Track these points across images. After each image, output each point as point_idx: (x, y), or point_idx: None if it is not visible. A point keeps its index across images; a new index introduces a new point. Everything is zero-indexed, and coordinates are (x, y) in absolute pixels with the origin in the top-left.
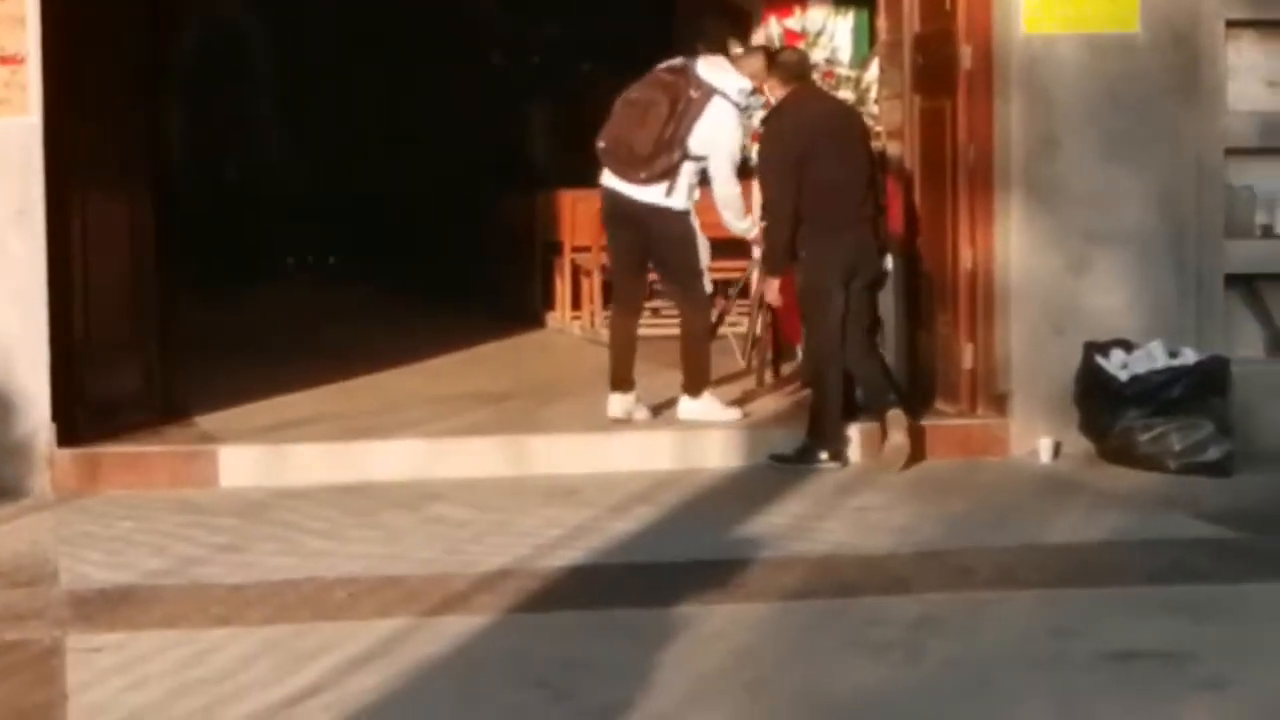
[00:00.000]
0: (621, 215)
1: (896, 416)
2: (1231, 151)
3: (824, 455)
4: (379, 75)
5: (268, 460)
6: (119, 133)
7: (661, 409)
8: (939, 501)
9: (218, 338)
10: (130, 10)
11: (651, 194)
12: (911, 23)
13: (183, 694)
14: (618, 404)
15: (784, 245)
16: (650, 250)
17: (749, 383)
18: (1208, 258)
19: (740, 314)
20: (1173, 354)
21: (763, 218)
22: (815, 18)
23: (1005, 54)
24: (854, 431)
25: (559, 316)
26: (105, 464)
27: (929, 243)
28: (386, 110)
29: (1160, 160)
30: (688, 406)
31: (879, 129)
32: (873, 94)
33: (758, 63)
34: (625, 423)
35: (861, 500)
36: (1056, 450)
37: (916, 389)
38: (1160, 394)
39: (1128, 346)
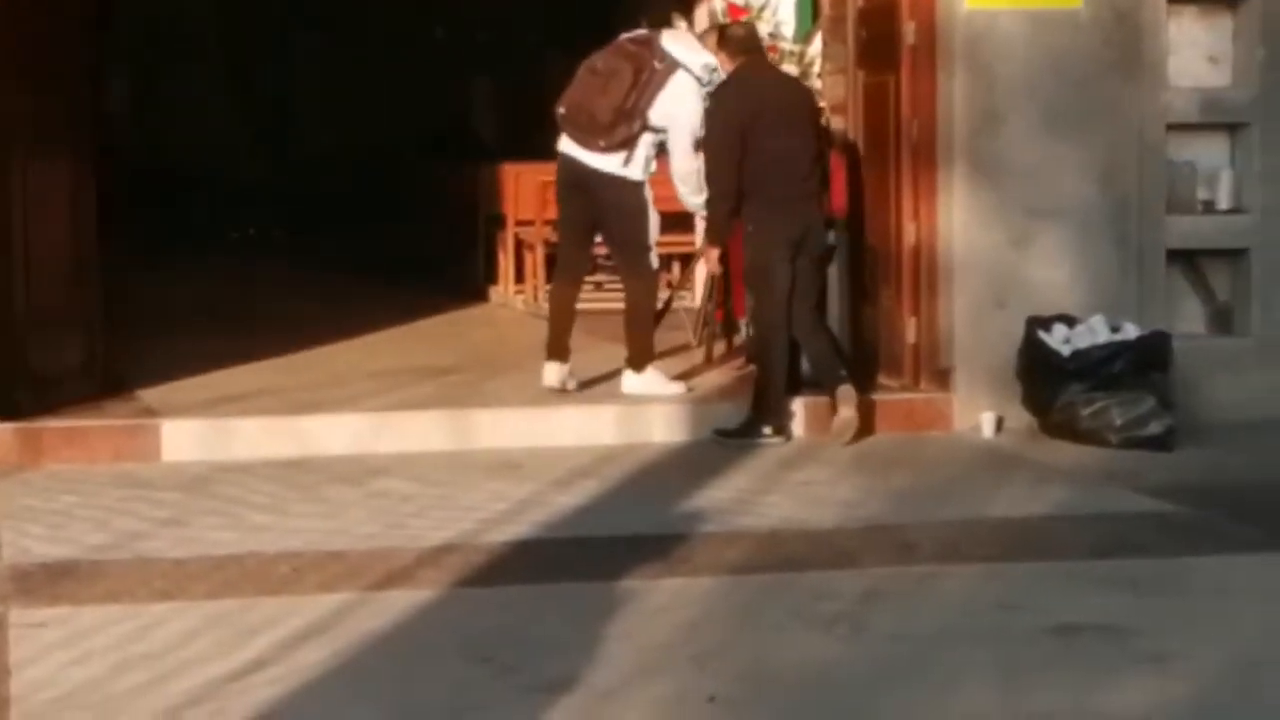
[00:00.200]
0: (576, 182)
1: (847, 392)
2: (1173, 127)
3: (767, 430)
4: (322, 48)
5: (210, 434)
6: (60, 103)
7: (597, 383)
8: (883, 476)
9: (160, 311)
10: None
11: (609, 162)
12: None
13: (126, 669)
14: (553, 372)
15: (725, 217)
16: (600, 221)
17: (693, 357)
18: (1149, 233)
19: (686, 289)
20: (1114, 329)
21: (706, 189)
22: None
23: (949, 29)
24: (798, 406)
25: (502, 290)
26: (46, 438)
27: (872, 217)
28: (329, 83)
29: (1102, 135)
30: (632, 381)
31: (823, 104)
32: (816, 69)
33: (715, 39)
34: (560, 392)
35: (805, 475)
36: (999, 425)
37: (860, 363)
38: (1102, 369)
39: (1070, 321)
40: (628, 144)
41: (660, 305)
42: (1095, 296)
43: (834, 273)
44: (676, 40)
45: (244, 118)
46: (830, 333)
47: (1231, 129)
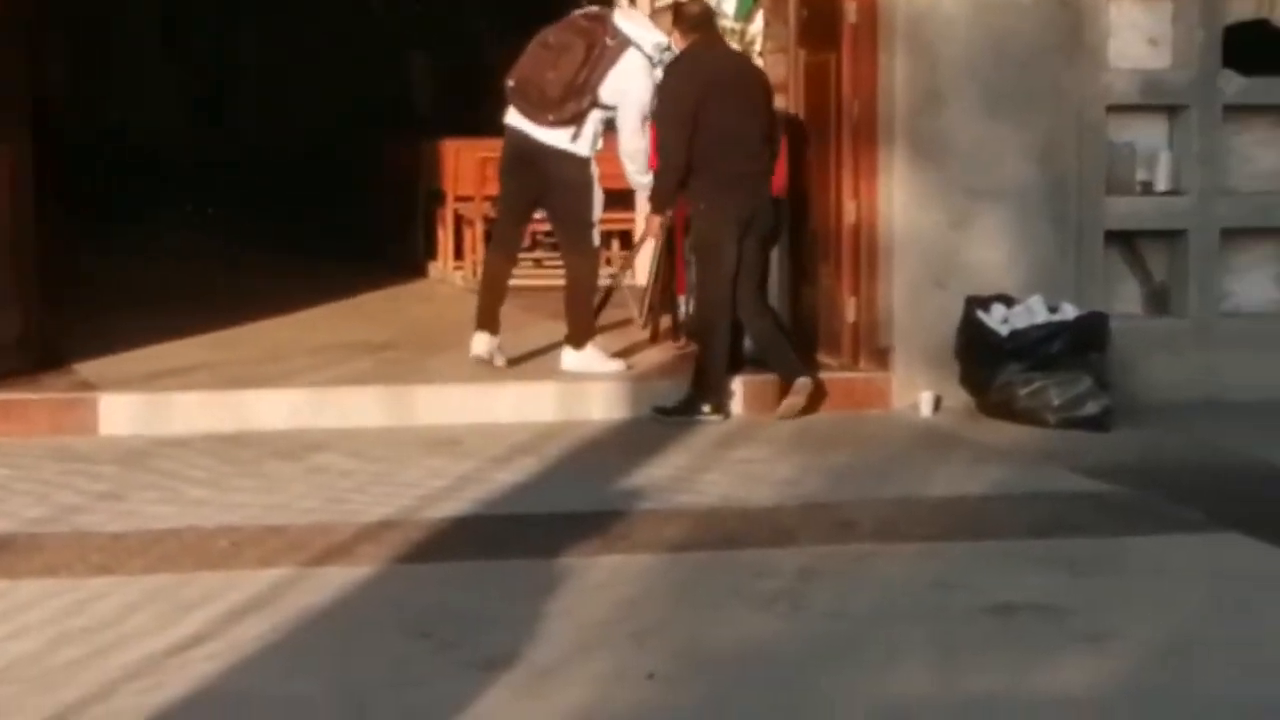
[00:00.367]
0: (522, 156)
1: (803, 385)
2: (1113, 108)
3: (706, 408)
4: (260, 22)
5: (148, 408)
6: None
7: (535, 359)
8: (821, 454)
9: (98, 286)
10: None
11: (557, 137)
12: None
13: (64, 642)
14: (481, 343)
15: (671, 188)
16: (545, 196)
17: (632, 335)
18: (1088, 214)
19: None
20: (1053, 309)
21: (657, 160)
22: None
23: (890, 9)
24: (737, 385)
25: (441, 266)
26: None
27: (813, 197)
28: (267, 57)
29: (1042, 116)
30: (571, 358)
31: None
32: (757, 47)
33: (669, 18)
34: (487, 364)
35: (744, 453)
36: (937, 404)
37: (799, 342)
38: (1040, 349)
39: (1008, 301)
40: (577, 120)
41: (604, 291)
42: (1034, 277)
43: (775, 251)
44: (629, 18)
45: (181, 92)
46: (774, 312)
47: (1170, 111)
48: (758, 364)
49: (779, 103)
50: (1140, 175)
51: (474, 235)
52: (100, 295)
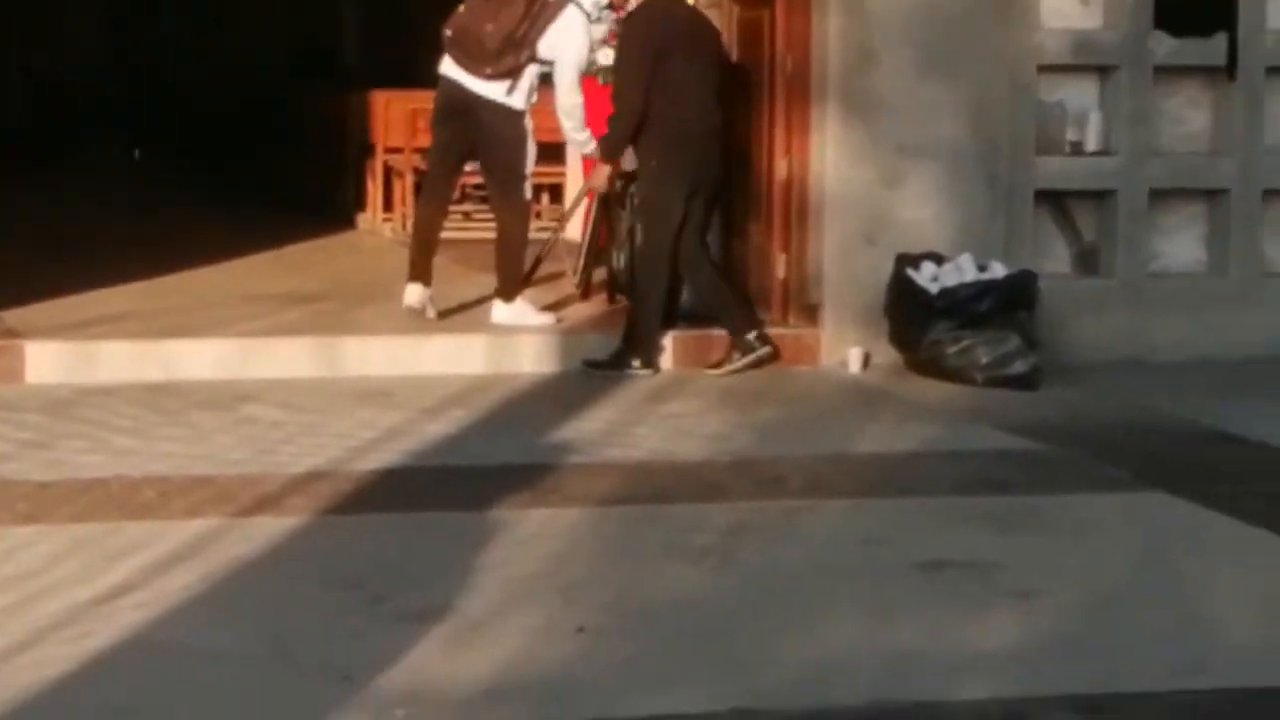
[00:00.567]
0: (456, 106)
1: (765, 355)
2: (1044, 68)
3: (636, 362)
4: None
5: (74, 357)
6: None
7: (466, 311)
8: (751, 410)
9: (24, 232)
10: None
11: (493, 90)
12: None
13: None
14: (414, 294)
15: (625, 137)
16: (478, 148)
17: (563, 288)
18: (1019, 173)
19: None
20: (982, 268)
21: (613, 108)
22: None
23: None
24: (668, 340)
25: (370, 218)
26: None
27: (746, 152)
28: (198, 5)
29: (975, 75)
30: (502, 311)
31: None
32: (691, 2)
33: None
34: (419, 315)
35: (674, 407)
36: (866, 361)
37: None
38: (969, 307)
39: (938, 259)
40: (513, 73)
41: (545, 245)
42: (964, 235)
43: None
44: None
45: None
46: (718, 267)
47: (1101, 71)
48: (693, 319)
49: None
50: (1070, 135)
51: (404, 187)
52: (26, 241)
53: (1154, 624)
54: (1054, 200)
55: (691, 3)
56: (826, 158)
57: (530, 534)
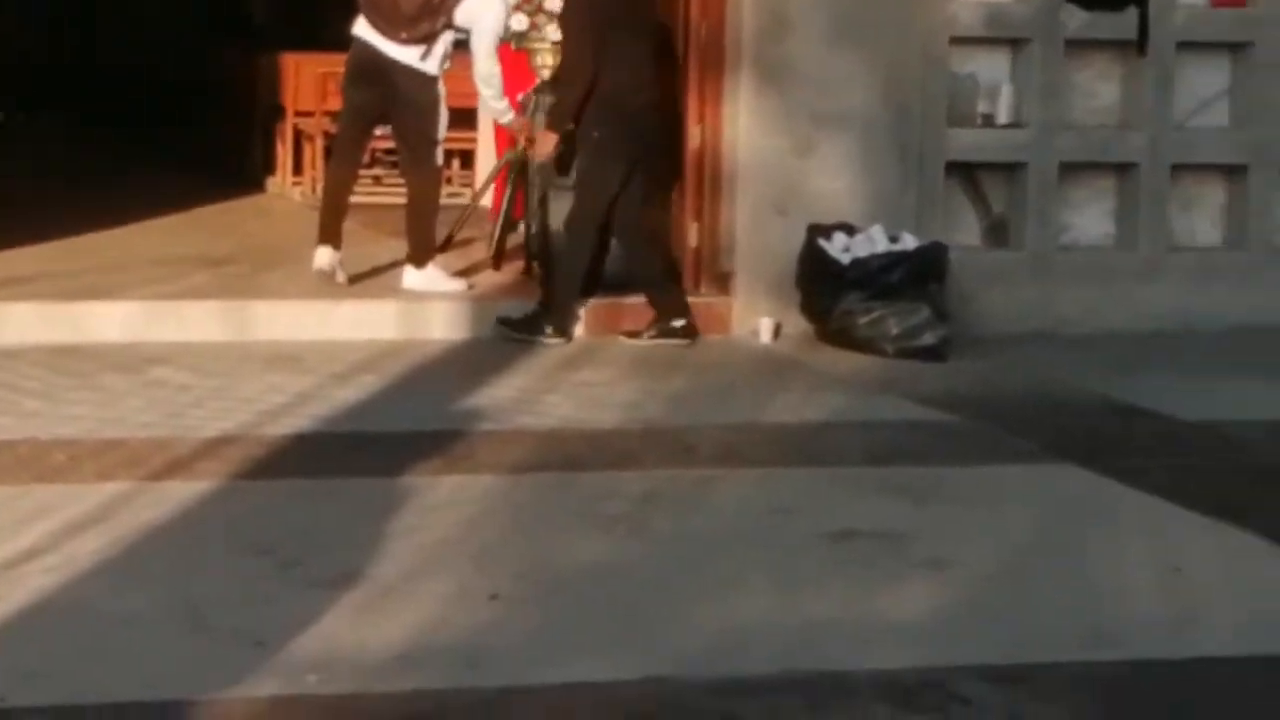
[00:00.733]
0: (370, 69)
1: (686, 342)
2: (957, 40)
3: (549, 329)
4: None
5: None
6: None
7: (377, 276)
8: (662, 378)
9: None
10: None
11: (407, 54)
12: None
13: None
14: (324, 256)
15: (574, 105)
16: (391, 112)
17: (473, 254)
18: (930, 144)
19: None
20: (893, 239)
21: (560, 77)
22: None
23: None
24: (582, 308)
25: (279, 182)
26: None
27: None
28: None
29: (888, 46)
30: (413, 276)
31: None
32: None
33: None
34: (329, 279)
35: (586, 375)
36: (777, 331)
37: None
38: (880, 278)
39: (850, 230)
40: (429, 39)
41: (464, 211)
42: (875, 206)
43: None
44: None
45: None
46: (654, 242)
47: (1013, 44)
48: (610, 287)
49: None
50: (982, 107)
51: (314, 150)
52: None
53: (1063, 595)
54: (965, 172)
55: None
56: (739, 126)
57: (442, 500)
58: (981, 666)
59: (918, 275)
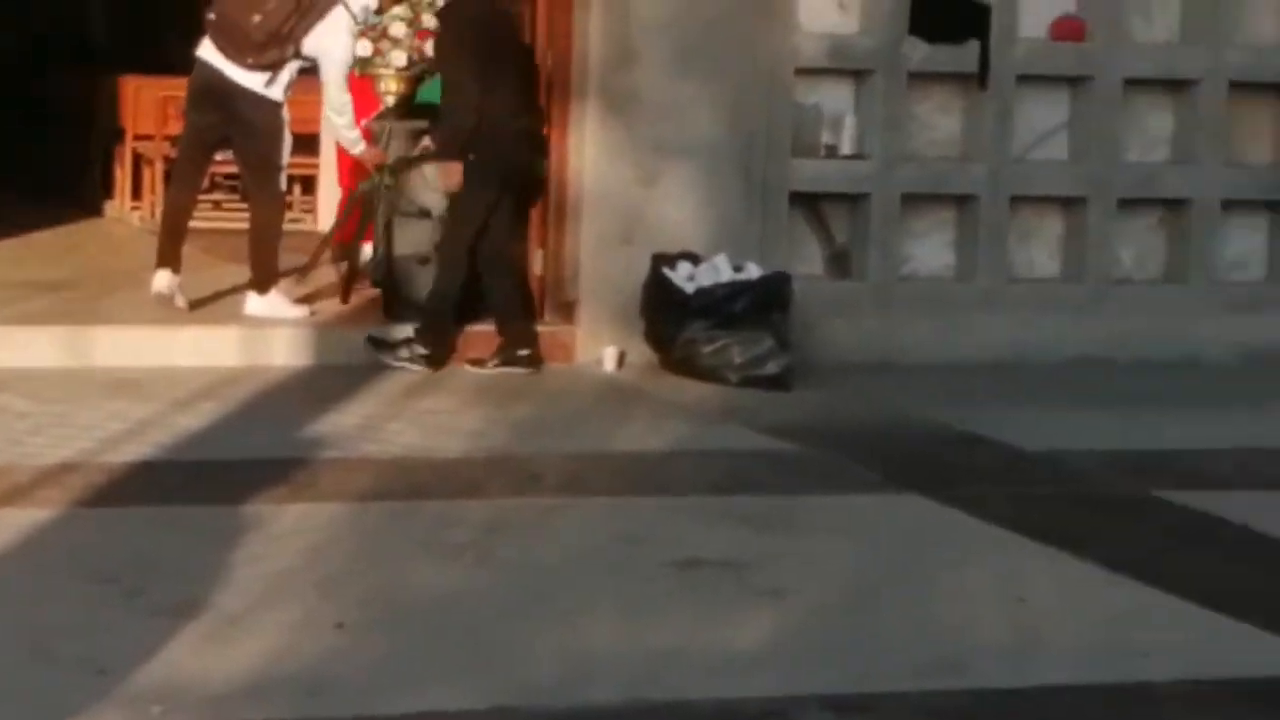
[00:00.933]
0: (213, 92)
1: (529, 370)
2: (801, 71)
3: (422, 351)
4: None
5: None
6: None
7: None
8: (507, 407)
9: None
10: None
11: (252, 80)
12: None
13: None
14: (163, 280)
15: (463, 136)
16: (234, 137)
17: (319, 280)
18: (774, 174)
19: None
20: (737, 268)
21: (445, 106)
22: None
23: None
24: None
25: (118, 206)
26: None
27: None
28: None
29: (733, 76)
30: (256, 303)
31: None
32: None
33: None
34: (168, 302)
35: (430, 403)
36: (621, 359)
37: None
38: (724, 307)
39: (694, 259)
40: (276, 66)
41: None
42: (720, 235)
43: None
44: None
45: None
46: (513, 273)
47: (857, 75)
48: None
49: None
50: (826, 138)
51: (153, 175)
52: None
53: (905, 624)
54: (809, 202)
55: None
56: (585, 154)
57: (286, 529)
58: (825, 696)
59: (761, 304)
